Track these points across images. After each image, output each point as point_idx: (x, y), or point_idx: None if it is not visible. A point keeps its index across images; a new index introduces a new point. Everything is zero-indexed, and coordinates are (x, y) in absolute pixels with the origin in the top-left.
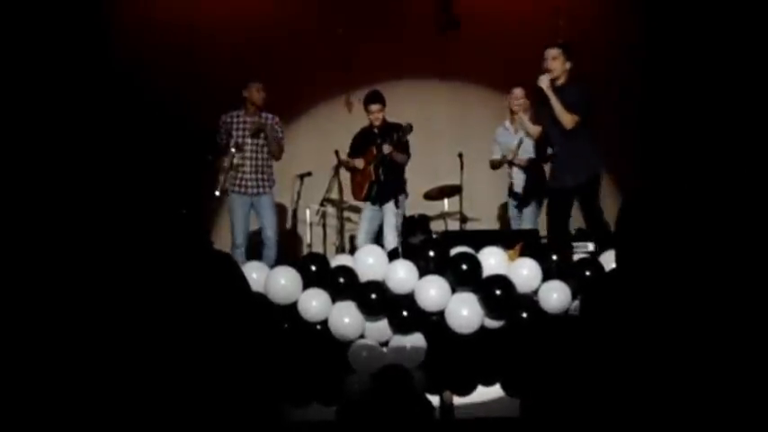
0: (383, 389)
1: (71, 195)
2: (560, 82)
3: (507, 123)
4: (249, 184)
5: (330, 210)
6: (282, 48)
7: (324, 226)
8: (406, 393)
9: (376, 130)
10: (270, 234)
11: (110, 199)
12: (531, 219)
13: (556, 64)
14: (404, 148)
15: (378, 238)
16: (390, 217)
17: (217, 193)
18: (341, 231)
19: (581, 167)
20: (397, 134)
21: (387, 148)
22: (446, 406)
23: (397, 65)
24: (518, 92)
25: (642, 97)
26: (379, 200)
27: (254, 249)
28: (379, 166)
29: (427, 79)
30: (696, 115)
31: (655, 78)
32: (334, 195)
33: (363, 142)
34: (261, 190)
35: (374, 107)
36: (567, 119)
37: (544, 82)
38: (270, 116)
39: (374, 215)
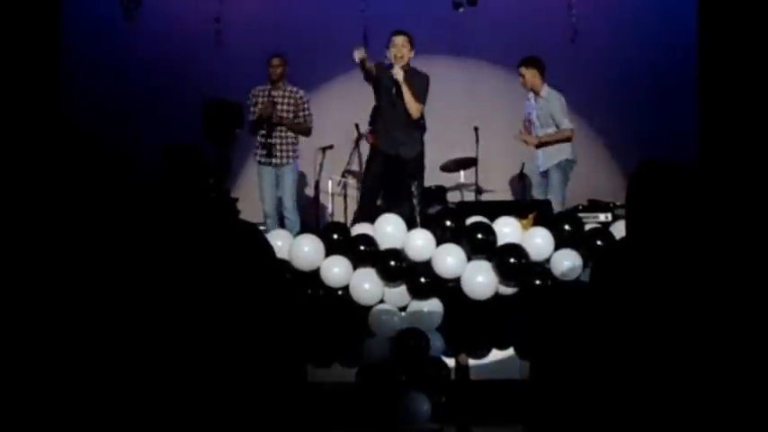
0: (401, 351)
1: (101, 165)
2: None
3: (530, 95)
4: (276, 155)
5: (351, 181)
6: (303, 21)
7: (345, 196)
8: (424, 356)
9: None
10: (288, 204)
11: (135, 171)
12: (558, 190)
13: (405, 51)
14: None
15: None
16: None
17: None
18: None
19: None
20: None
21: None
22: (461, 368)
23: (415, 40)
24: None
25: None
26: None
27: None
28: None
29: (443, 54)
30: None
31: (663, 61)
32: (355, 167)
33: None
34: (285, 161)
35: None
36: (415, 108)
37: (400, 75)
38: (294, 89)
39: None
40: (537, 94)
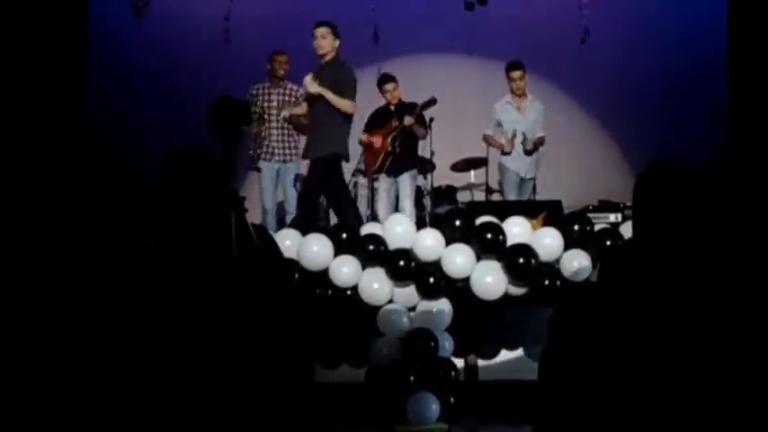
0: (410, 352)
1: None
2: (327, 58)
3: (509, 98)
4: (276, 152)
5: (361, 180)
6: (313, 20)
7: (355, 196)
8: (432, 356)
9: (392, 108)
10: (292, 200)
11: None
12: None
13: (325, 42)
14: (423, 122)
15: (397, 209)
16: (405, 187)
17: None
18: (371, 201)
19: (327, 144)
20: (419, 106)
21: (408, 120)
22: (470, 368)
23: (425, 39)
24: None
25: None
26: (393, 171)
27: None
28: (396, 138)
29: (454, 54)
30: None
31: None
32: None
33: (380, 120)
34: (287, 158)
35: (388, 86)
36: (346, 105)
37: (314, 87)
38: (295, 87)
39: (390, 186)
40: (522, 98)
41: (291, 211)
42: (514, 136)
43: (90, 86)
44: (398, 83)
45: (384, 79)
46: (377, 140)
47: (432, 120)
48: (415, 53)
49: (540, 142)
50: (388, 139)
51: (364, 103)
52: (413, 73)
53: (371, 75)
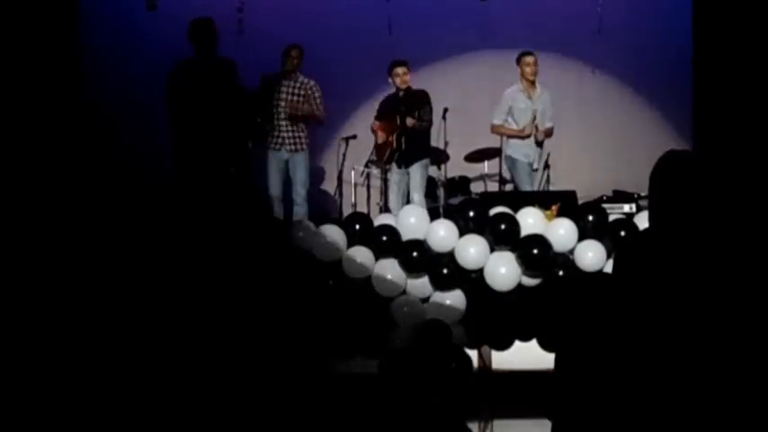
0: (424, 343)
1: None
2: None
3: (521, 86)
4: (286, 142)
5: (374, 171)
6: (327, 11)
7: (368, 187)
8: (446, 347)
9: (401, 95)
10: (300, 191)
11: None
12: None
13: None
14: (426, 118)
15: (408, 200)
16: (415, 178)
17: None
18: (384, 192)
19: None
20: (419, 111)
21: (410, 122)
22: (484, 359)
23: (439, 30)
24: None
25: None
26: (403, 163)
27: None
28: (402, 135)
29: (468, 44)
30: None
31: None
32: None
33: (388, 109)
34: (296, 147)
35: (399, 69)
36: None
37: None
38: (306, 80)
39: (401, 178)
40: (533, 87)
41: (300, 201)
42: (535, 118)
43: (100, 76)
44: (409, 69)
45: (396, 62)
46: (381, 135)
47: (446, 110)
48: (428, 44)
49: (548, 133)
50: (393, 137)
51: (376, 93)
52: (427, 64)
53: (385, 66)
